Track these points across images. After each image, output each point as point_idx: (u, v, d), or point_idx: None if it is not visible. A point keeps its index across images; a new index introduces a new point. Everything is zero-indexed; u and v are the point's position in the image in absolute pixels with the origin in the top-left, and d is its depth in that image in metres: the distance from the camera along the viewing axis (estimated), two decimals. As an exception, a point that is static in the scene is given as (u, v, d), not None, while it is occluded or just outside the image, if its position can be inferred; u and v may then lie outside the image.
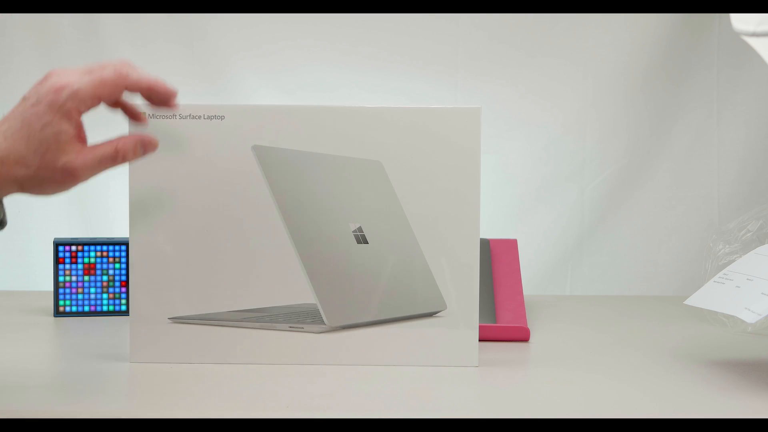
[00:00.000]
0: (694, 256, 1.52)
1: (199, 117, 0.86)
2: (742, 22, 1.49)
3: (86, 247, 1.16)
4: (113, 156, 0.75)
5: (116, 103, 0.79)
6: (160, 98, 0.77)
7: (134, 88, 0.75)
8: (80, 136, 0.74)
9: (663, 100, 1.55)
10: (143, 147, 0.77)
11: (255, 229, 0.86)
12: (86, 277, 1.16)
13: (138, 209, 0.87)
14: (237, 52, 1.54)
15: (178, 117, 0.86)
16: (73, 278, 1.16)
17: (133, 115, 0.81)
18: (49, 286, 1.28)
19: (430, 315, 0.88)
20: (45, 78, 0.73)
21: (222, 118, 0.86)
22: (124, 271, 1.17)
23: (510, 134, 1.56)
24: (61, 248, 1.16)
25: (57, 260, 1.15)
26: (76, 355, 0.92)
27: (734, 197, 1.55)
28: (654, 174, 1.57)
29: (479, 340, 0.88)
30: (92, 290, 1.16)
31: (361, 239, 0.89)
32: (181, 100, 0.85)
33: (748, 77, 1.53)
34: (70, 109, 0.72)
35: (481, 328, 0.90)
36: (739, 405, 0.75)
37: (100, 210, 1.55)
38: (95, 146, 0.75)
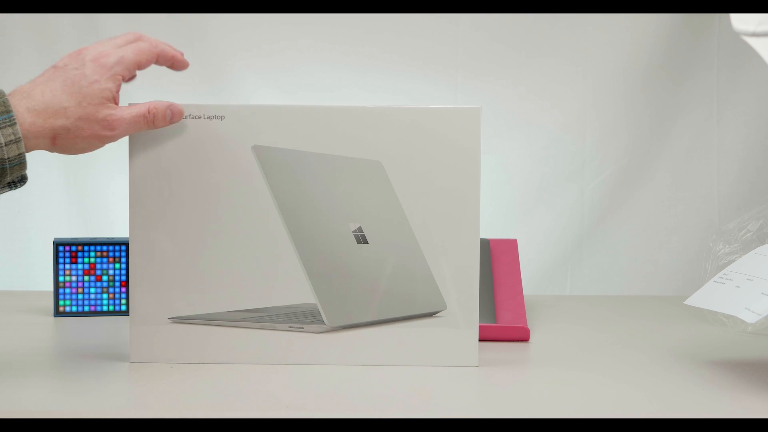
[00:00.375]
0: (694, 256, 1.52)
1: (199, 117, 0.86)
2: (742, 22, 1.49)
3: (86, 247, 1.16)
4: (146, 114, 0.82)
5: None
6: (177, 68, 0.85)
7: (162, 56, 0.83)
8: (116, 101, 0.81)
9: (663, 100, 1.55)
10: (171, 113, 0.84)
11: (255, 229, 0.86)
12: (86, 277, 1.16)
13: (138, 209, 0.87)
14: (237, 52, 1.54)
15: (178, 117, 0.86)
16: (73, 278, 1.16)
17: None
18: (49, 286, 1.28)
19: (430, 315, 0.88)
20: (78, 51, 0.80)
21: (222, 118, 0.86)
22: (124, 271, 1.17)
23: (510, 134, 1.56)
24: (61, 248, 1.16)
25: (57, 260, 1.15)
26: (76, 355, 0.92)
27: (734, 197, 1.55)
28: (654, 174, 1.57)
29: (479, 340, 0.88)
30: (92, 290, 1.16)
31: (361, 239, 0.89)
32: (181, 100, 0.85)
33: (748, 77, 1.53)
34: (117, 72, 0.80)
35: (481, 328, 0.90)
36: (739, 405, 0.75)
37: (100, 210, 1.55)
38: (131, 105, 0.82)
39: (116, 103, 0.81)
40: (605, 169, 1.56)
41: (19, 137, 0.76)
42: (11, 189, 0.79)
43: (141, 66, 0.82)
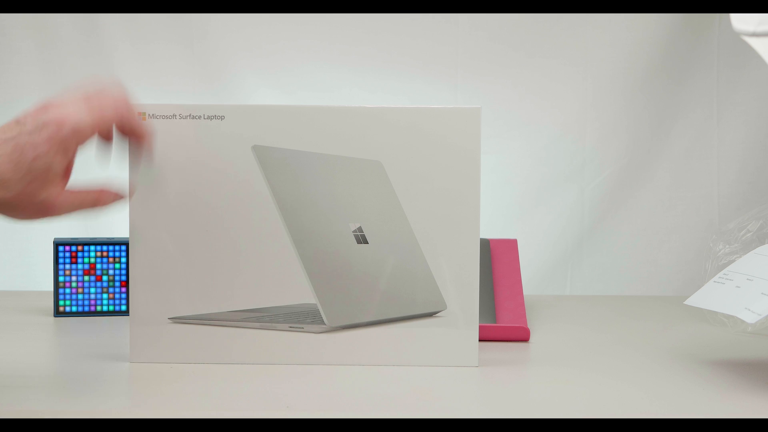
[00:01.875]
0: (694, 256, 1.52)
1: (199, 117, 0.86)
2: (742, 22, 1.49)
3: (86, 247, 1.16)
4: (92, 205, 0.78)
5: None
6: (135, 142, 0.80)
7: (127, 126, 0.78)
8: (67, 172, 0.75)
9: (663, 100, 1.55)
10: (114, 200, 0.80)
11: (255, 229, 0.86)
12: (86, 277, 1.16)
13: (138, 209, 0.87)
14: (237, 52, 1.54)
15: (178, 117, 0.86)
16: (73, 278, 1.16)
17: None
18: (49, 286, 1.28)
19: (430, 315, 0.88)
20: (44, 108, 0.73)
21: (222, 118, 0.86)
22: (124, 271, 1.17)
23: (510, 134, 1.56)
24: (61, 248, 1.16)
25: (57, 260, 1.15)
26: (76, 355, 0.92)
27: (734, 197, 1.55)
28: (654, 174, 1.57)
29: (479, 340, 0.88)
30: (92, 290, 1.16)
31: (361, 239, 0.89)
32: (182, 100, 0.85)
33: (748, 77, 1.53)
34: (69, 145, 0.73)
35: (481, 328, 0.90)
36: (739, 405, 0.75)
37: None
38: (77, 191, 0.76)
39: (67, 176, 0.75)
40: (605, 169, 1.56)
41: None
42: None
43: (101, 134, 0.76)
